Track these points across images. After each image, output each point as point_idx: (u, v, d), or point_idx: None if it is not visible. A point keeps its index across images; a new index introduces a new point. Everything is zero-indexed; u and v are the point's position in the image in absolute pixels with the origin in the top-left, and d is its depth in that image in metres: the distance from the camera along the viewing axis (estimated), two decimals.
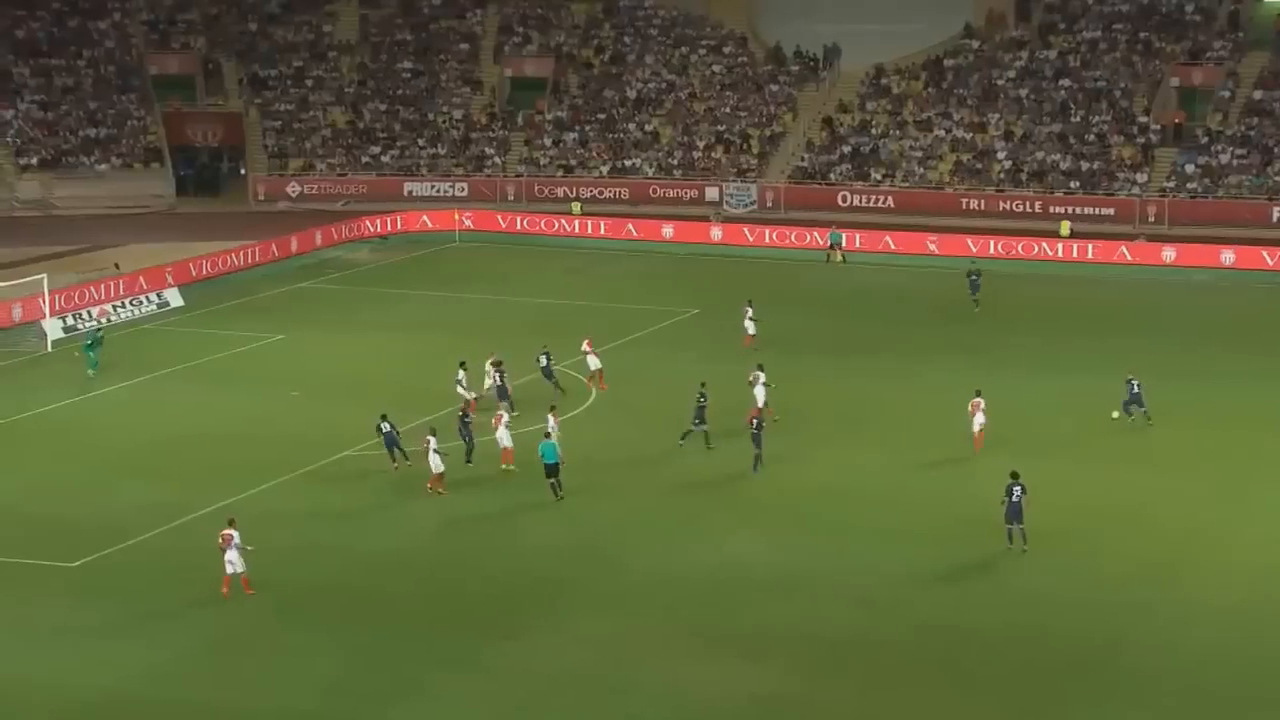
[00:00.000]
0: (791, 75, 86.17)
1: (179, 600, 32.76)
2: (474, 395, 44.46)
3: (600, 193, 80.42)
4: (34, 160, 78.64)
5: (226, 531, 33.15)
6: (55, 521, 37.11)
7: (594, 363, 47.78)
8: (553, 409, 41.50)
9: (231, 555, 32.90)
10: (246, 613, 32.33)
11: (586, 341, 48.48)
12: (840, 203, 78.32)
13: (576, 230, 74.51)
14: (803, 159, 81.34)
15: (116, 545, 35.48)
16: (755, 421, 41.11)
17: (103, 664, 29.86)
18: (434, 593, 33.45)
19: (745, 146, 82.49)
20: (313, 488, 39.60)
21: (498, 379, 45.07)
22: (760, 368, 45.13)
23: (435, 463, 38.95)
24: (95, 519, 37.23)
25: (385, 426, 40.65)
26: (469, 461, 40.31)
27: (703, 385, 42.78)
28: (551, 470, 38.66)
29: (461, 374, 45.17)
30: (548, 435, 39.09)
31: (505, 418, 41.41)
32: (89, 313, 56.23)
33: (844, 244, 69.40)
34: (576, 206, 78.10)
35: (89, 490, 39.31)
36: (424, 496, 38.77)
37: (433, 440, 39.17)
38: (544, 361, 46.98)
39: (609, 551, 35.77)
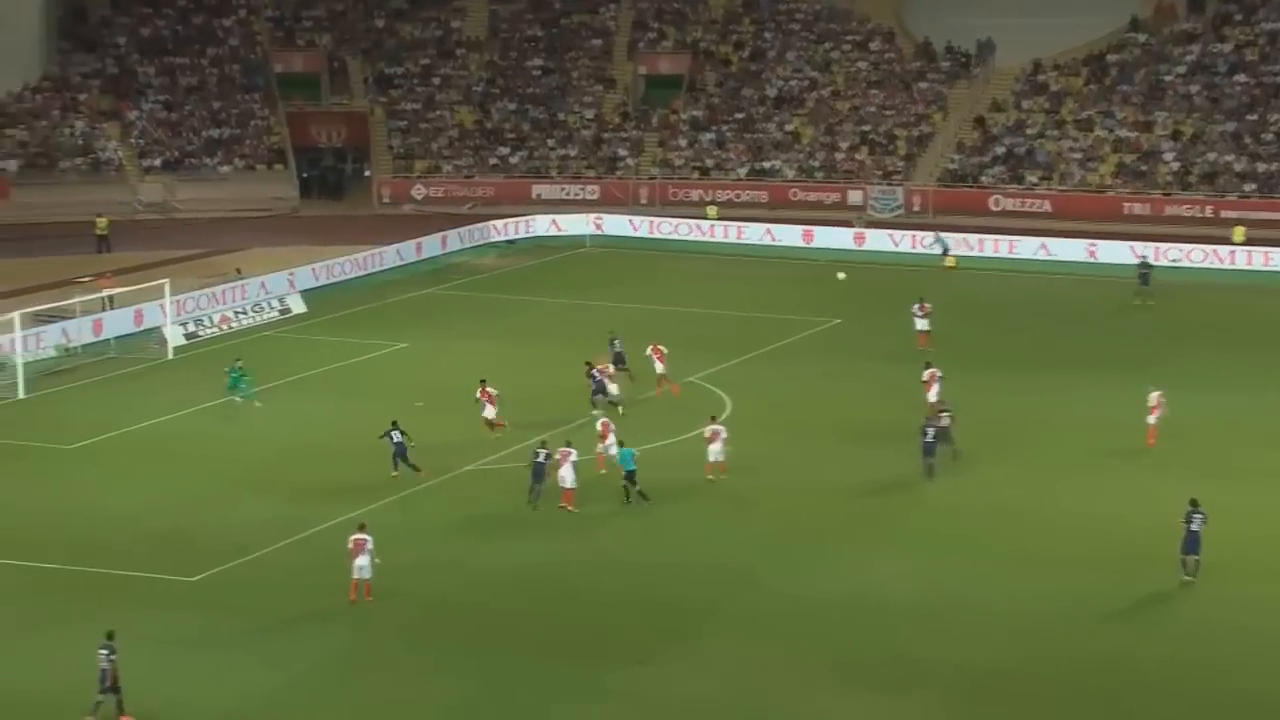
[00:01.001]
0: (941, 72, 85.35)
1: (300, 617, 33.24)
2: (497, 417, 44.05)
3: (737, 196, 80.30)
4: (157, 162, 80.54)
5: (359, 536, 33.61)
6: (175, 535, 37.87)
7: (659, 368, 48.06)
8: (711, 417, 41.91)
9: (362, 561, 33.38)
10: (368, 632, 32.69)
11: (652, 347, 48.60)
12: (992, 207, 77.37)
13: (712, 235, 74.44)
14: (952, 161, 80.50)
15: (237, 560, 36.11)
16: (932, 425, 40.86)
17: (223, 683, 30.38)
18: (559, 614, 33.57)
19: (891, 147, 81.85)
20: (436, 502, 39.98)
21: (602, 377, 45.80)
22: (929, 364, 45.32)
23: (568, 477, 39.08)
24: (215, 532, 37.93)
25: (395, 435, 41.00)
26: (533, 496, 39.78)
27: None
28: (630, 477, 38.96)
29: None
30: (622, 443, 39.59)
31: (610, 438, 40.95)
32: (210, 318, 57.38)
33: (951, 248, 68.82)
34: (712, 210, 78.05)
35: (209, 503, 40.07)
36: (548, 513, 38.94)
37: (573, 453, 39.38)
38: (617, 346, 48.02)
39: (743, 572, 35.63)
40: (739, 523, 38.76)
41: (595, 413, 43.15)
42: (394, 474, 40.89)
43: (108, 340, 54.12)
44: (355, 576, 33.54)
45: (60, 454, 43.71)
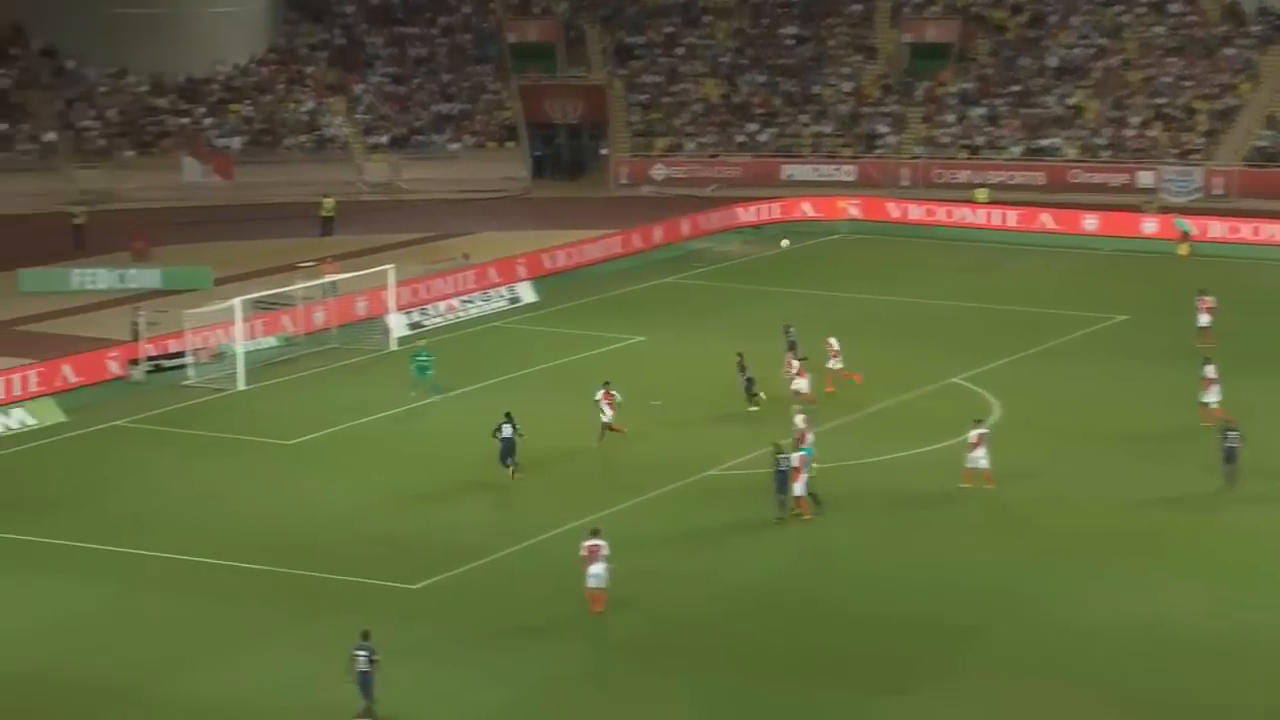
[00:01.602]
0: (1252, 37, 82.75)
1: (528, 629, 33.84)
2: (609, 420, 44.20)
3: (1011, 177, 79.12)
4: (383, 139, 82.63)
5: (593, 543, 34.11)
6: (396, 538, 38.91)
7: (834, 364, 48.72)
8: (975, 420, 41.46)
9: (596, 569, 33.85)
10: (599, 646, 33.16)
11: (831, 344, 48.92)
12: None
13: (981, 221, 73.52)
14: (1262, 137, 77.98)
15: (461, 566, 36.92)
16: (1226, 430, 39.91)
17: (444, 699, 31.12)
18: (804, 635, 33.59)
19: (1189, 123, 79.67)
20: (672, 509, 40.35)
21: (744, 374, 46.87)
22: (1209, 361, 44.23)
23: (798, 485, 39.18)
24: (438, 536, 38.86)
25: (505, 430, 41.45)
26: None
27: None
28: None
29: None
30: (799, 442, 39.61)
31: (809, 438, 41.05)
32: (436, 307, 58.77)
33: (1193, 233, 66.68)
34: (982, 193, 77.01)
35: (431, 504, 41.06)
36: (789, 524, 39.00)
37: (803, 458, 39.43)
38: (791, 335, 49.17)
39: (1016, 595, 35.21)
40: (1003, 538, 38.32)
41: (795, 410, 42.95)
42: (513, 473, 41.33)
43: (329, 329, 55.80)
44: (590, 586, 34.02)
45: (279, 450, 45.27)
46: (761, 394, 47.13)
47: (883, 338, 55.72)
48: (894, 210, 74.97)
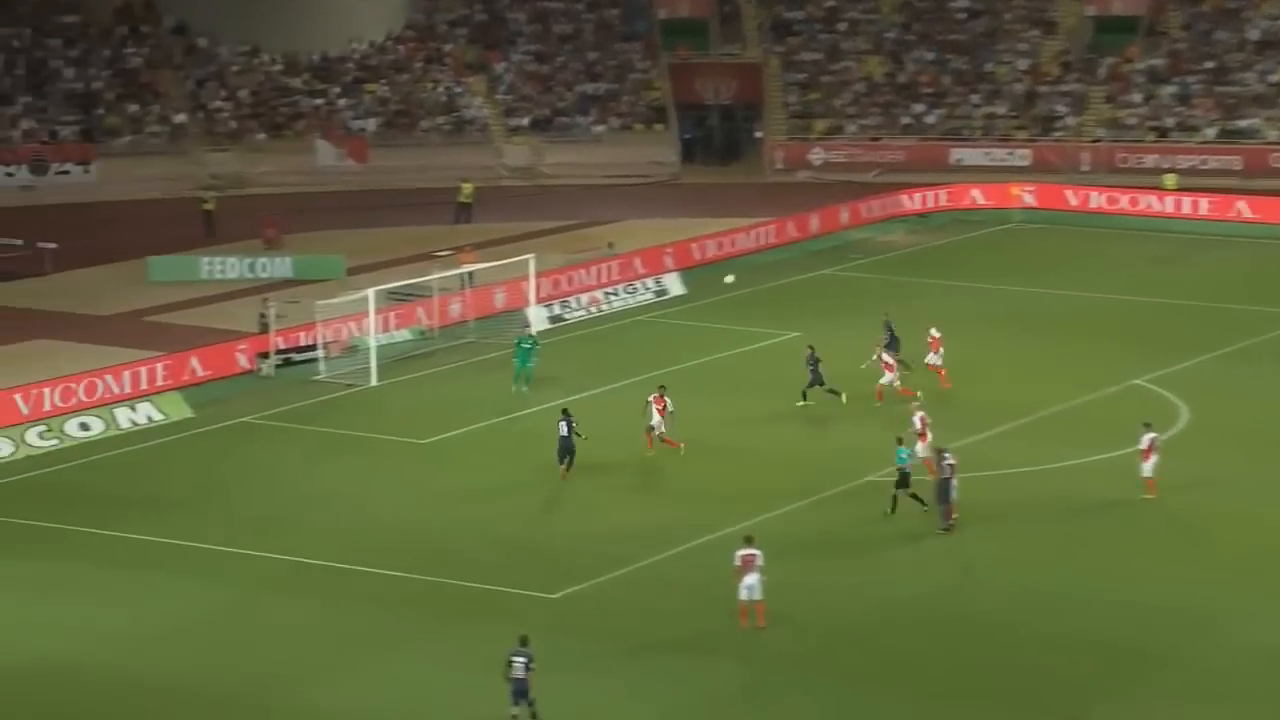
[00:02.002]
0: None
1: (676, 643, 33.87)
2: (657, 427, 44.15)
3: (1204, 162, 77.91)
4: (524, 121, 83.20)
5: (747, 552, 34.02)
6: (534, 544, 39.17)
7: (934, 359, 48.74)
8: (1145, 424, 40.85)
9: (750, 580, 33.80)
10: (754, 663, 33.11)
11: (932, 334, 49.13)
12: None
13: (1170, 210, 72.42)
14: None
15: (605, 575, 37.06)
16: None
17: (587, 715, 31.22)
18: (968, 653, 33.33)
19: None
20: (826, 517, 40.21)
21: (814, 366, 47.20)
22: None
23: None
24: (579, 543, 39.06)
25: (563, 426, 42.03)
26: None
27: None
28: (904, 480, 39.18)
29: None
30: (901, 440, 39.60)
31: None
32: (578, 300, 59.05)
33: None
34: (1171, 180, 75.81)
35: (572, 509, 41.30)
36: (950, 534, 38.78)
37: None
38: (891, 329, 49.37)
39: (1195, 615, 34.74)
40: (1187, 554, 37.83)
41: (915, 407, 42.78)
42: (567, 470, 41.99)
43: (466, 323, 56.28)
44: (743, 598, 33.98)
45: (412, 449, 45.74)
46: (840, 393, 47.18)
47: (1058, 335, 55.07)
48: (1072, 198, 74.01)
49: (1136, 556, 37.71)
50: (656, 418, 44.14)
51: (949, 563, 37.74)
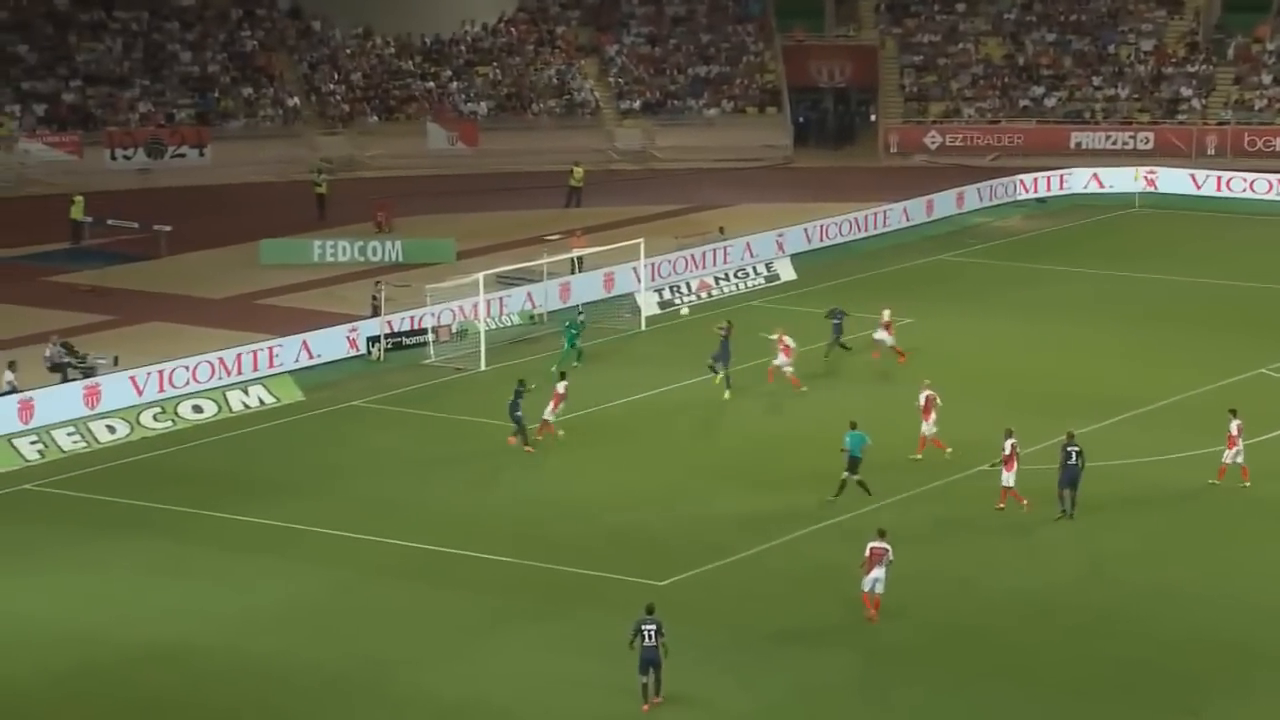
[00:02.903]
0: None
1: (784, 633, 34.03)
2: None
3: None
4: (636, 104, 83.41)
5: (878, 545, 34.05)
6: (641, 531, 39.43)
7: (885, 338, 50.54)
8: (1231, 411, 40.80)
9: (878, 573, 33.89)
10: (863, 654, 33.20)
11: (884, 316, 50.47)
12: None
13: None
14: None
15: (712, 563, 37.27)
16: None
17: (691, 704, 31.40)
18: (1084, 647, 33.24)
19: None
20: (937, 507, 40.21)
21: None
22: None
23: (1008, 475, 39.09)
24: (687, 530, 39.29)
25: (519, 400, 43.85)
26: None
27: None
28: (854, 465, 39.54)
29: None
30: (855, 425, 40.14)
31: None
32: (687, 285, 59.21)
33: None
34: None
35: (679, 496, 41.48)
36: (1064, 523, 38.71)
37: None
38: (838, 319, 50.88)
39: None
40: None
41: (925, 385, 43.43)
42: (524, 443, 43.55)
43: (576, 307, 56.61)
44: (866, 590, 34.01)
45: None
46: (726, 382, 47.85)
47: (1181, 323, 54.63)
48: (1197, 183, 73.22)
49: (1254, 551, 37.46)
50: (781, 358, 47.08)
51: (1064, 555, 37.64)
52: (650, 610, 30.93)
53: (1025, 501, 39.46)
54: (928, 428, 42.57)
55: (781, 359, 48.03)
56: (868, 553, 34.10)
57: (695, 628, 33.91)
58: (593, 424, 46.68)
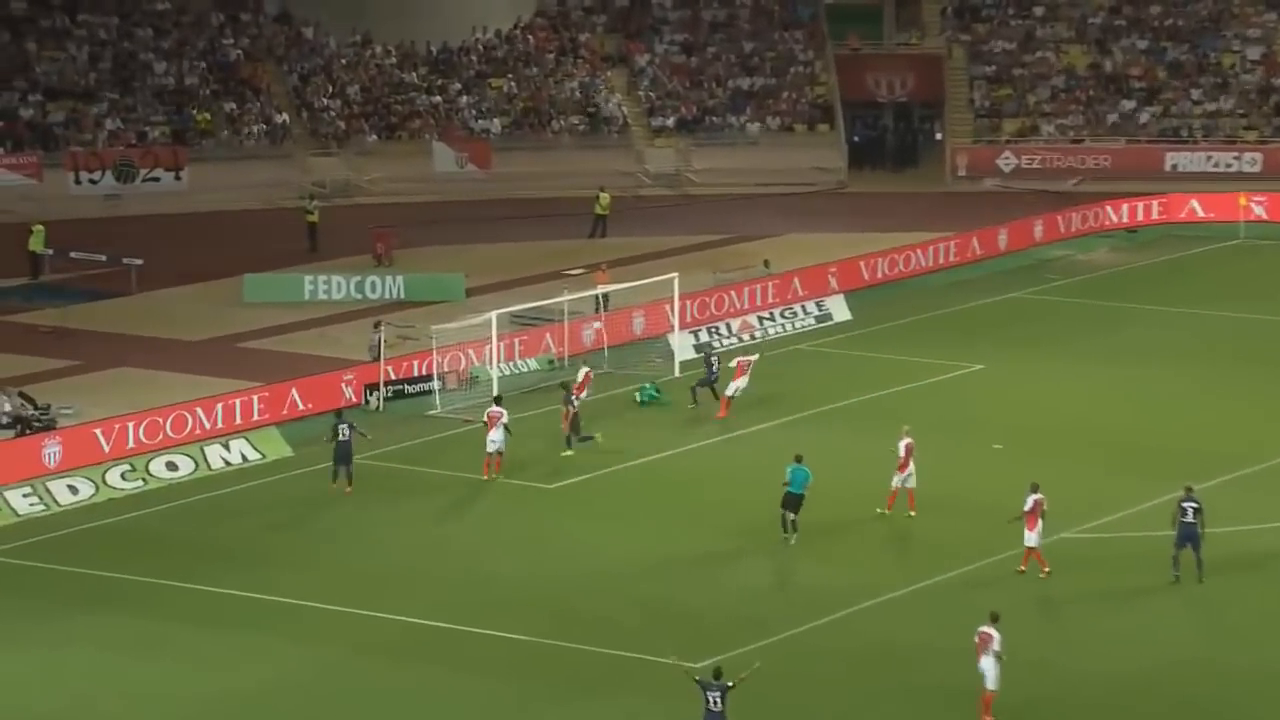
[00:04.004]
0: None
1: None
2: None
3: None
4: (669, 120, 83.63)
5: (986, 630, 33.96)
6: (675, 604, 39.50)
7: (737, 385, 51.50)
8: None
9: (984, 663, 33.74)
10: None
11: (739, 363, 51.63)
12: None
13: None
14: None
15: (750, 644, 37.11)
16: None
17: None
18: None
19: None
20: (1019, 579, 40.10)
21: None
22: None
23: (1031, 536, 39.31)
24: (724, 602, 39.37)
25: (344, 431, 45.56)
26: None
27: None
28: (793, 503, 41.36)
29: None
30: (800, 458, 41.63)
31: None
32: (728, 325, 59.33)
33: None
34: None
35: (713, 564, 41.58)
36: (1173, 589, 38.87)
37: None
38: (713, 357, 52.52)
39: None
40: None
41: (905, 431, 43.78)
42: (338, 484, 45.41)
43: (601, 351, 56.79)
44: (990, 687, 33.75)
45: (538, 495, 46.32)
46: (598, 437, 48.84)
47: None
48: None
49: None
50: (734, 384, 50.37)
51: (1179, 624, 37.87)
52: (717, 675, 31.62)
53: (1047, 568, 39.65)
54: (899, 479, 43.18)
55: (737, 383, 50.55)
56: (976, 639, 33.95)
57: (745, 717, 33.74)
58: (617, 482, 46.88)
